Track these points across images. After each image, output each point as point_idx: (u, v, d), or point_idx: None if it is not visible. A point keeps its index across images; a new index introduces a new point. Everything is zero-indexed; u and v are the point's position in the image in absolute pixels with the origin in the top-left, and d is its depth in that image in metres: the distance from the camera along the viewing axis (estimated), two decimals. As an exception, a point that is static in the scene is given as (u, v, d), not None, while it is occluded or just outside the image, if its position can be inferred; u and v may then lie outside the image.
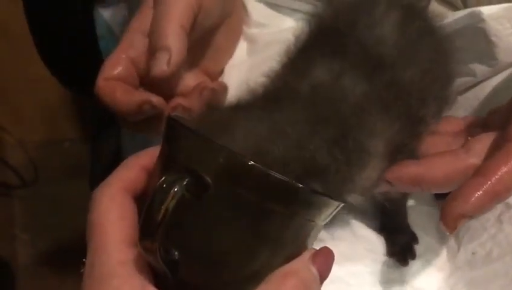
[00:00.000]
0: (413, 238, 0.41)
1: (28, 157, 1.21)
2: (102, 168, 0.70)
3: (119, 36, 0.63)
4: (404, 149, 0.33)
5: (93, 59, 0.64)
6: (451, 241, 0.42)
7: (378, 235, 0.42)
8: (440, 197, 0.44)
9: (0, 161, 1.16)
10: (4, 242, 1.07)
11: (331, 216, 0.29)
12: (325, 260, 0.29)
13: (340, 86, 0.32)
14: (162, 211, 0.24)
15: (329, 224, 0.40)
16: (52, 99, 1.22)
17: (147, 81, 0.42)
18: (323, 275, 0.29)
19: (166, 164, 0.28)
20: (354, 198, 0.32)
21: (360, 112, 0.31)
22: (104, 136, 0.75)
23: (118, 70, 0.40)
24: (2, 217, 1.15)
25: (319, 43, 0.36)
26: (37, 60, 0.79)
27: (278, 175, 0.25)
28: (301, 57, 0.35)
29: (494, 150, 0.31)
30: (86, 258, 0.29)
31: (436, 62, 0.36)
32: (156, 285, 0.27)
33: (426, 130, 0.35)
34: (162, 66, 0.38)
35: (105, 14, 0.64)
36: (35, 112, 1.22)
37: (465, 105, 0.44)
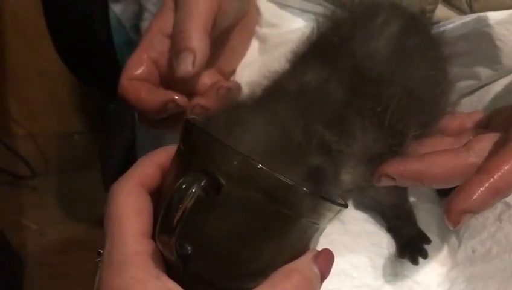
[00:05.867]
0: (424, 239, 0.42)
1: (38, 149, 1.23)
2: (115, 160, 0.72)
3: (129, 31, 0.65)
4: (381, 157, 0.34)
5: (108, 52, 0.66)
6: (452, 238, 0.42)
7: (382, 229, 0.43)
8: (443, 195, 0.45)
9: (11, 151, 1.18)
10: (14, 232, 1.08)
11: (333, 219, 0.31)
12: (325, 261, 0.31)
13: (325, 89, 0.33)
14: (181, 210, 0.26)
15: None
16: (62, 92, 1.23)
17: (166, 80, 0.43)
18: (324, 275, 0.30)
19: (183, 164, 0.29)
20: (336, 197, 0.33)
21: (340, 114, 0.32)
22: (117, 129, 0.76)
23: (141, 70, 0.42)
24: (12, 207, 1.16)
25: (315, 52, 0.37)
26: (48, 53, 0.80)
27: (285, 179, 0.27)
28: (296, 63, 0.37)
29: (497, 149, 0.32)
30: (102, 249, 0.30)
31: (424, 81, 0.36)
32: (168, 276, 0.29)
33: (408, 141, 0.35)
34: (187, 66, 0.39)
35: (116, 9, 0.66)
36: (46, 104, 1.23)
37: (469, 108, 0.44)
